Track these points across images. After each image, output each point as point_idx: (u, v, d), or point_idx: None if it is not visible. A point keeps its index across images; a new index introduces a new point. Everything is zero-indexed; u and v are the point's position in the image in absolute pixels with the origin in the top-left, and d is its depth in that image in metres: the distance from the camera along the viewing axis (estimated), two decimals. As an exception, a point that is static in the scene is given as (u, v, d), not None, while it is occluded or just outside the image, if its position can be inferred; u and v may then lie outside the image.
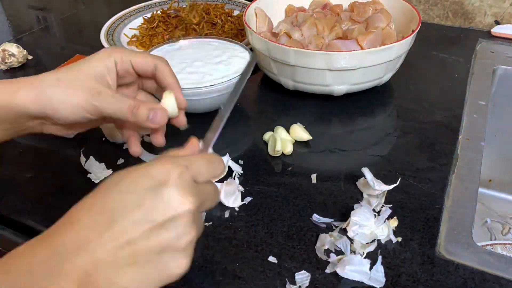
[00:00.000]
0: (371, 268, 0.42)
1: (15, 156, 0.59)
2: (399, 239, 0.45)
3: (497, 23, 0.85)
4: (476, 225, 0.82)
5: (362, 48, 0.63)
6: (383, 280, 0.41)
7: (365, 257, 0.43)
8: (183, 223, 0.30)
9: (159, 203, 0.30)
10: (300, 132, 0.57)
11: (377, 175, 0.50)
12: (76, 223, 0.30)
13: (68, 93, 0.40)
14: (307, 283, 0.41)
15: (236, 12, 0.89)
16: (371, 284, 0.41)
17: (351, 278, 0.41)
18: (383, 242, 0.45)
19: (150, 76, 0.46)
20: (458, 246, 0.45)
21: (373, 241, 0.45)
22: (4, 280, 0.28)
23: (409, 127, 0.62)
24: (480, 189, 0.86)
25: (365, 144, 0.59)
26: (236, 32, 0.82)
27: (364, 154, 0.57)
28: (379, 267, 0.42)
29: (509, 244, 0.76)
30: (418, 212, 0.48)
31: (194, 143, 0.38)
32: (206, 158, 0.35)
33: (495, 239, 0.81)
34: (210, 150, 0.40)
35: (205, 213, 0.48)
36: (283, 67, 0.64)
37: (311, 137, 0.58)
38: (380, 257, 0.43)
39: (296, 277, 0.42)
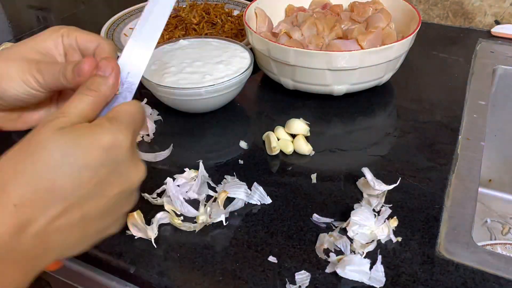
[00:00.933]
0: (371, 268, 0.42)
1: (15, 156, 0.59)
2: (399, 239, 0.45)
3: (497, 23, 0.85)
4: (476, 225, 0.82)
5: (362, 48, 0.63)
6: (383, 280, 0.41)
7: (364, 257, 0.43)
8: (133, 191, 0.32)
9: (114, 177, 0.30)
10: (301, 145, 0.57)
11: (377, 175, 0.50)
12: (20, 205, 0.27)
13: (7, 65, 0.36)
14: (307, 283, 0.41)
15: (236, 12, 0.89)
16: (371, 284, 0.41)
17: (351, 278, 0.41)
18: (383, 242, 0.45)
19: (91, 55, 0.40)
20: (458, 246, 0.45)
21: (373, 241, 0.45)
22: None
23: (409, 127, 0.62)
24: (480, 189, 0.86)
25: (365, 144, 0.59)
26: (236, 32, 0.82)
27: (364, 154, 0.57)
28: (379, 267, 0.42)
29: (509, 244, 0.76)
30: (418, 212, 0.48)
31: (117, 75, 0.34)
32: (141, 113, 0.33)
33: (495, 239, 0.81)
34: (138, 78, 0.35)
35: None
36: (283, 67, 0.64)
37: (313, 152, 0.57)
38: (379, 257, 0.43)
39: (296, 277, 0.42)
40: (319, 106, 0.66)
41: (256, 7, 0.72)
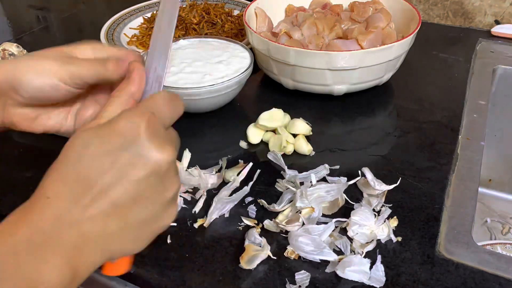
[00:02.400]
0: (371, 267, 0.42)
1: (15, 156, 0.59)
2: (399, 238, 0.45)
3: (497, 22, 0.85)
4: (476, 225, 0.82)
5: (362, 48, 0.63)
6: (383, 279, 0.41)
7: (364, 257, 0.43)
8: (166, 174, 0.30)
9: (135, 159, 0.29)
10: (302, 145, 0.57)
11: (377, 175, 0.50)
12: (53, 197, 0.28)
13: (39, 60, 0.37)
14: (307, 283, 0.41)
15: (236, 12, 0.89)
16: (371, 283, 0.41)
17: (351, 278, 0.41)
18: (383, 241, 0.45)
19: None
20: (458, 245, 0.45)
21: (373, 240, 0.45)
22: None
23: (409, 127, 0.62)
24: (480, 189, 0.86)
25: (365, 144, 0.59)
26: (236, 32, 0.82)
27: (364, 154, 0.57)
28: (379, 267, 0.42)
29: (509, 244, 0.76)
30: (418, 212, 0.48)
31: (141, 75, 0.35)
32: (165, 98, 0.32)
33: (495, 239, 0.81)
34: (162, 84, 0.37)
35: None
36: (283, 67, 0.64)
37: (313, 152, 0.57)
38: (379, 257, 0.43)
39: (296, 277, 0.42)
40: (319, 106, 0.66)
41: (256, 7, 0.72)
